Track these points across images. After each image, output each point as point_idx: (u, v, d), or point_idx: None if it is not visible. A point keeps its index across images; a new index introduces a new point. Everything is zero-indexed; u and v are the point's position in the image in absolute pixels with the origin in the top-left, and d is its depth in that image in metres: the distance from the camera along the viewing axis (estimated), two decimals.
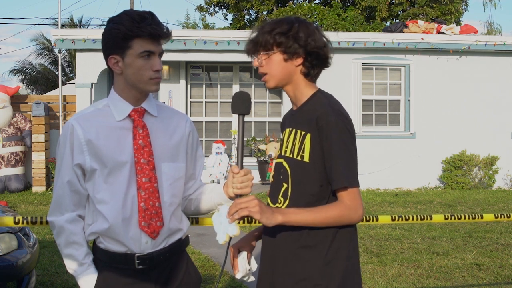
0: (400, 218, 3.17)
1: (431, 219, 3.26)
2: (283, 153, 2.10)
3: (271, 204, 2.12)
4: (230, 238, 1.93)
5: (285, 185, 2.05)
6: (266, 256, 2.11)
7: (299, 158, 2.00)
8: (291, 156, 2.04)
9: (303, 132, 2.00)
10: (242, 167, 2.01)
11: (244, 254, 2.19)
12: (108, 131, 2.05)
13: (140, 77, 2.03)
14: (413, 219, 3.22)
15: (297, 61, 2.01)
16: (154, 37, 2.01)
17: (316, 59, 2.02)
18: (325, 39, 2.05)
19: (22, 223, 2.75)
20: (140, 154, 2.05)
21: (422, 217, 3.22)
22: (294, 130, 2.06)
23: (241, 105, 1.99)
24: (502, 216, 3.35)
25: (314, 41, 2.00)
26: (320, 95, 2.05)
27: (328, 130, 1.92)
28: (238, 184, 1.99)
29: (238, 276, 2.17)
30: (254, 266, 2.20)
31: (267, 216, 1.87)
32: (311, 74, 2.05)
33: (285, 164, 2.07)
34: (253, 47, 2.05)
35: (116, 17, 2.03)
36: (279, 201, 2.07)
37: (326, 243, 1.97)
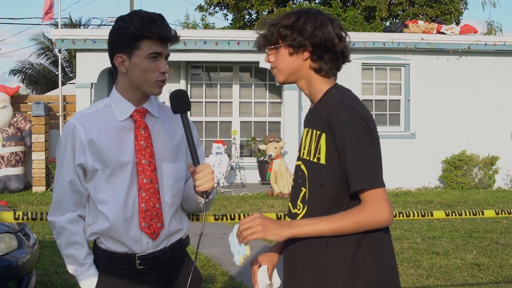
0: (401, 215, 3.18)
1: (432, 215, 3.27)
2: (301, 155, 1.97)
3: (292, 209, 1.99)
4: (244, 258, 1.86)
5: (304, 189, 1.92)
6: (287, 267, 1.97)
7: (315, 160, 1.86)
8: (308, 158, 1.91)
9: (318, 132, 1.86)
10: (198, 163, 1.99)
11: (264, 268, 2.05)
12: (110, 131, 2.05)
13: (146, 78, 2.02)
14: (413, 216, 3.24)
15: (304, 55, 1.89)
16: (163, 39, 2.00)
17: (325, 52, 1.88)
18: (339, 31, 1.91)
19: (22, 219, 2.76)
20: (141, 155, 2.05)
21: (423, 213, 3.23)
22: (310, 130, 1.92)
23: (181, 103, 2.02)
24: (503, 212, 3.36)
25: (322, 33, 1.86)
26: (334, 91, 1.91)
27: (340, 129, 1.78)
28: (198, 182, 1.99)
29: None
30: (277, 281, 2.06)
31: (273, 232, 1.78)
32: (323, 69, 1.91)
33: (303, 167, 1.94)
34: (262, 41, 1.97)
35: (126, 17, 2.02)
36: (298, 207, 1.94)
37: (349, 251, 1.82)
